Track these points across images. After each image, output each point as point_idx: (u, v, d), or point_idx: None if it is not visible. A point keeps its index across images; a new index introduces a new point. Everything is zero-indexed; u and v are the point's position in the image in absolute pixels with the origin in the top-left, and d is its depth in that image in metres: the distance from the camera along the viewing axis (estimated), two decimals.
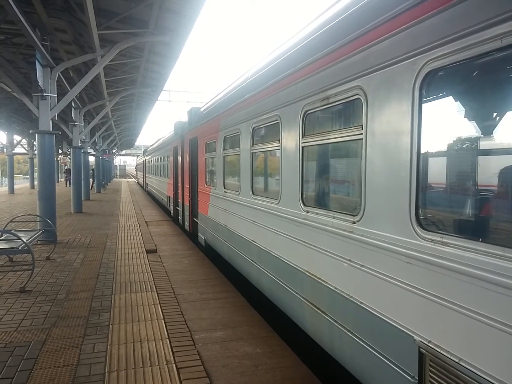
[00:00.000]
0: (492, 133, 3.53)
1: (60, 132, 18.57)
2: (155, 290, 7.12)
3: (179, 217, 15.54)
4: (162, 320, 5.71)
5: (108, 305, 6.35)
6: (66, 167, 47.07)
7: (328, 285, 4.23)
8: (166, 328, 5.45)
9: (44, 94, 11.57)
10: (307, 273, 4.68)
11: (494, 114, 3.47)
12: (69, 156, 35.88)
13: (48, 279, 7.77)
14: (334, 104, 4.10)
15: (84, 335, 5.22)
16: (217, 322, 5.73)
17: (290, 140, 5.08)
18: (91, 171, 33.42)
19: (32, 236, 8.58)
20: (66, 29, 12.05)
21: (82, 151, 21.30)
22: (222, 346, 4.97)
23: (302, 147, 4.79)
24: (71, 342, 5.02)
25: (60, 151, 48.05)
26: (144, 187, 41.18)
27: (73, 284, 7.46)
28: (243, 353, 4.80)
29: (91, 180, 32.10)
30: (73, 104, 18.74)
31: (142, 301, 6.51)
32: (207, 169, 10.52)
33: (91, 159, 34.40)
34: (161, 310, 6.13)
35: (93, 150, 33.09)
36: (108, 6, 11.04)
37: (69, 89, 13.94)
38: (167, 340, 5.07)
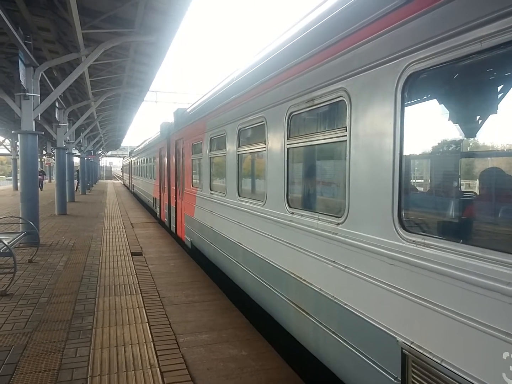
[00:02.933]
0: (475, 136, 3.58)
1: (43, 133, 18.23)
2: (139, 293, 7.04)
3: (165, 218, 15.42)
4: (147, 323, 5.65)
5: (91, 308, 6.26)
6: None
7: (313, 287, 4.23)
8: (150, 331, 5.39)
9: (27, 94, 11.36)
10: (292, 275, 4.68)
11: (476, 117, 3.53)
12: (53, 157, 35.38)
13: (31, 282, 7.63)
14: (319, 105, 4.11)
15: (67, 339, 5.13)
16: (202, 324, 5.69)
17: (276, 141, 5.08)
18: (76, 173, 32.99)
19: (14, 239, 8.41)
20: (49, 27, 11.86)
21: (67, 152, 21.03)
22: (207, 349, 4.93)
23: (288, 149, 4.79)
24: (53, 346, 4.93)
25: (44, 152, 47.34)
26: (130, 188, 40.82)
27: (56, 287, 7.34)
28: (228, 356, 4.77)
29: (76, 181, 31.70)
30: (57, 104, 18.47)
31: (127, 304, 6.44)
32: (193, 171, 10.47)
33: (76, 160, 33.96)
34: (146, 313, 6.06)
35: (78, 151, 32.68)
36: (93, 5, 10.90)
37: (53, 89, 13.75)
38: (151, 343, 5.01)
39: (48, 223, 15.91)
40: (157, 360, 4.58)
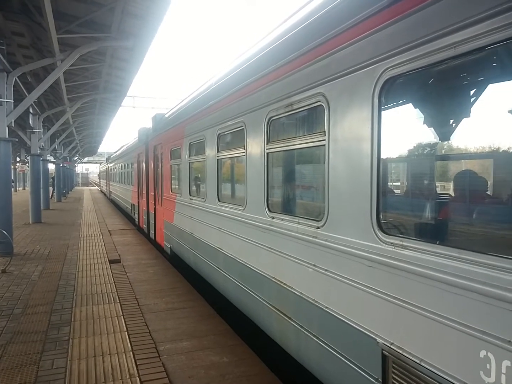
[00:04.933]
0: (449, 139, 3.67)
1: (17, 139, 17.77)
2: (118, 301, 6.91)
3: (144, 225, 15.22)
4: (126, 332, 5.54)
5: (68, 318, 6.10)
6: None
7: (294, 291, 4.23)
8: (129, 340, 5.28)
9: (0, 99, 11.08)
10: (273, 279, 4.68)
11: (451, 120, 3.61)
12: (27, 164, 34.48)
13: (4, 293, 7.39)
14: (297, 110, 4.14)
15: (43, 351, 4.99)
16: (183, 332, 5.62)
17: (255, 146, 5.09)
18: (51, 179, 32.23)
19: None
20: (24, 32, 11.62)
21: (41, 158, 20.55)
22: (188, 356, 4.87)
23: (267, 154, 4.80)
24: (29, 358, 4.78)
25: (18, 159, 46.12)
26: (108, 195, 40.13)
27: (30, 298, 7.13)
28: (209, 363, 4.73)
29: (51, 188, 30.96)
30: (31, 110, 18.05)
31: (105, 313, 6.30)
32: (172, 176, 10.37)
33: (51, 166, 33.19)
34: (125, 322, 5.95)
35: (53, 158, 31.96)
36: (68, 10, 10.73)
37: (27, 95, 13.42)
38: (131, 352, 4.92)
39: (22, 231, 15.48)
40: (137, 370, 4.49)
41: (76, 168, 78.48)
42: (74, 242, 13.17)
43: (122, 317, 6.15)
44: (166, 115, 11.46)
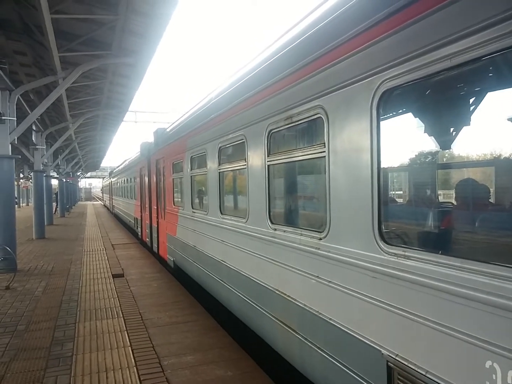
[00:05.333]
0: (450, 147, 3.68)
1: (20, 156, 17.95)
2: (121, 316, 6.88)
3: (147, 239, 15.22)
4: (129, 347, 5.51)
5: (71, 334, 6.08)
6: None
7: (297, 303, 4.22)
8: (133, 355, 5.25)
9: (3, 117, 11.21)
10: (277, 292, 4.66)
11: (451, 129, 3.63)
12: (30, 180, 34.63)
13: (8, 310, 7.38)
14: (297, 123, 4.18)
15: (46, 368, 4.96)
16: (187, 346, 5.59)
17: (256, 159, 5.12)
18: (55, 195, 32.36)
19: None
20: (25, 51, 11.80)
21: (44, 175, 20.66)
22: (192, 371, 4.84)
23: (268, 166, 4.83)
24: (32, 375, 4.76)
25: (21, 175, 46.38)
26: (111, 209, 40.21)
27: (34, 314, 7.11)
28: (214, 377, 4.69)
29: (54, 204, 31.06)
30: (34, 127, 18.23)
31: (108, 328, 6.27)
32: (174, 190, 10.41)
33: (55, 182, 33.35)
34: (128, 336, 5.92)
35: (56, 173, 32.12)
36: (69, 29, 10.91)
37: (30, 112, 13.57)
38: (134, 368, 4.89)
39: (26, 247, 15.50)
40: None
41: (79, 183, 78.79)
42: (77, 257, 13.16)
43: (125, 332, 6.12)
44: (168, 130, 11.55)
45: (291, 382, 4.83)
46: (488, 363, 2.23)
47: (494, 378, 2.20)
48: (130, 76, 14.68)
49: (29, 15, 9.84)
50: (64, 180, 34.36)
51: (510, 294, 2.11)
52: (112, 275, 10.21)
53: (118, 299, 7.92)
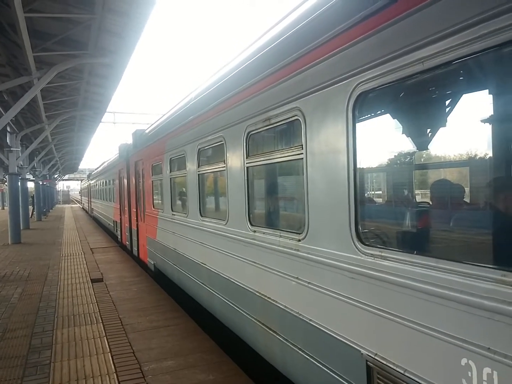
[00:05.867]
0: (426, 148, 3.74)
1: None
2: (101, 321, 6.76)
3: (127, 242, 15.01)
4: (109, 354, 5.42)
5: (49, 341, 5.94)
6: None
7: (278, 304, 4.22)
8: (113, 361, 5.17)
9: None
10: (257, 293, 4.66)
11: (427, 131, 3.70)
12: (5, 183, 33.74)
13: None
14: (275, 125, 4.18)
15: (23, 376, 4.84)
16: (168, 350, 5.53)
17: (235, 160, 5.10)
18: (31, 198, 31.60)
19: None
20: None
21: (20, 177, 20.15)
22: (173, 375, 4.79)
23: (247, 168, 4.82)
24: None
25: None
26: (90, 212, 39.51)
27: (10, 321, 6.92)
28: (196, 381, 4.65)
29: (30, 207, 30.33)
30: (8, 129, 17.78)
31: (87, 335, 6.15)
32: (154, 192, 10.30)
33: (31, 185, 32.56)
34: (108, 342, 5.82)
35: (32, 176, 31.36)
36: (44, 28, 10.66)
37: (4, 113, 13.22)
38: (114, 374, 4.81)
39: (1, 253, 15.09)
40: None
41: (56, 185, 77.19)
42: (55, 262, 12.88)
43: (105, 337, 6.02)
44: (147, 131, 11.41)
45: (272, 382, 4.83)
46: (463, 361, 2.27)
47: (469, 375, 2.24)
48: (107, 76, 14.43)
49: (2, 13, 9.55)
50: (41, 183, 33.62)
51: (482, 293, 2.15)
52: (91, 280, 10.02)
53: (97, 305, 7.78)
